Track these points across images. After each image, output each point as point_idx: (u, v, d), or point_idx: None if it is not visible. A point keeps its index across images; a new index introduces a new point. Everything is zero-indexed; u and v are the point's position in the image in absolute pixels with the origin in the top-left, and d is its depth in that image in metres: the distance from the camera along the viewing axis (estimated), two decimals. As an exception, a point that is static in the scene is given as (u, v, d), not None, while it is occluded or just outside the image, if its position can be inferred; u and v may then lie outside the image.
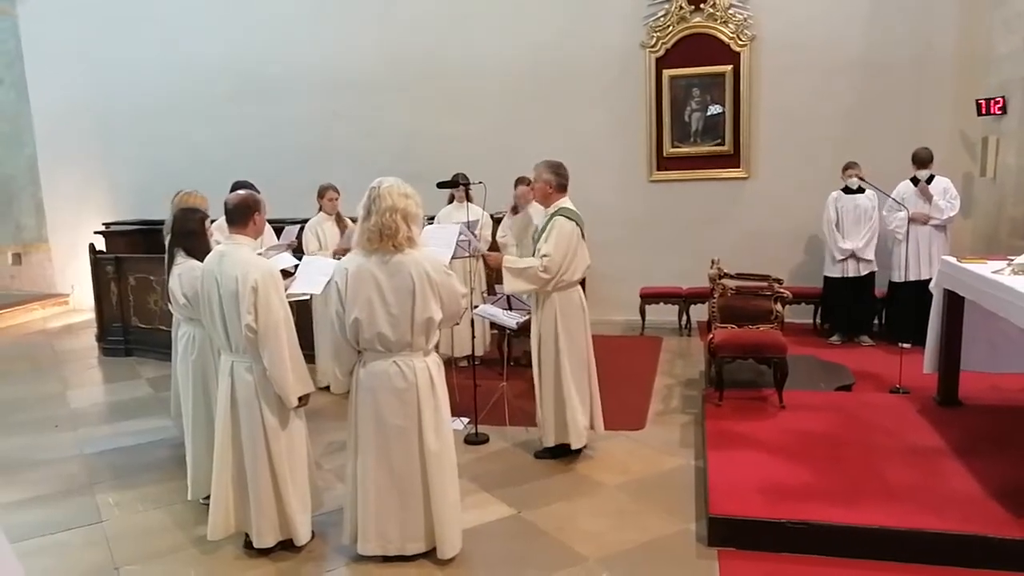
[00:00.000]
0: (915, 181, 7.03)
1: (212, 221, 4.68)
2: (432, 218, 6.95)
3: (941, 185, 7.00)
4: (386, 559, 3.68)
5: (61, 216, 11.18)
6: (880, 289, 7.40)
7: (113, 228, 9.11)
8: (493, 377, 6.20)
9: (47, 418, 6.25)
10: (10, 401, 6.81)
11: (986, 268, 4.70)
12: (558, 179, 4.73)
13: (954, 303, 5.14)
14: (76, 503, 4.61)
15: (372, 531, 3.62)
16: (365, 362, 3.60)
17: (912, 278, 6.93)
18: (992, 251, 6.52)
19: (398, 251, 3.46)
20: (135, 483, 4.86)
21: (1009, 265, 4.58)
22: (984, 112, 7.17)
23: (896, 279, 7.12)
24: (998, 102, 7.00)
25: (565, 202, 4.76)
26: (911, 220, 6.84)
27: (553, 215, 4.71)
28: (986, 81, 7.33)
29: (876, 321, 7.55)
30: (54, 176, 11.18)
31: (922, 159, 7.02)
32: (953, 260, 5.19)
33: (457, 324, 3.70)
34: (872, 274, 7.26)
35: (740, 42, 8.11)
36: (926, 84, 7.78)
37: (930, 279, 6.72)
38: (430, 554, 3.69)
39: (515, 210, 6.67)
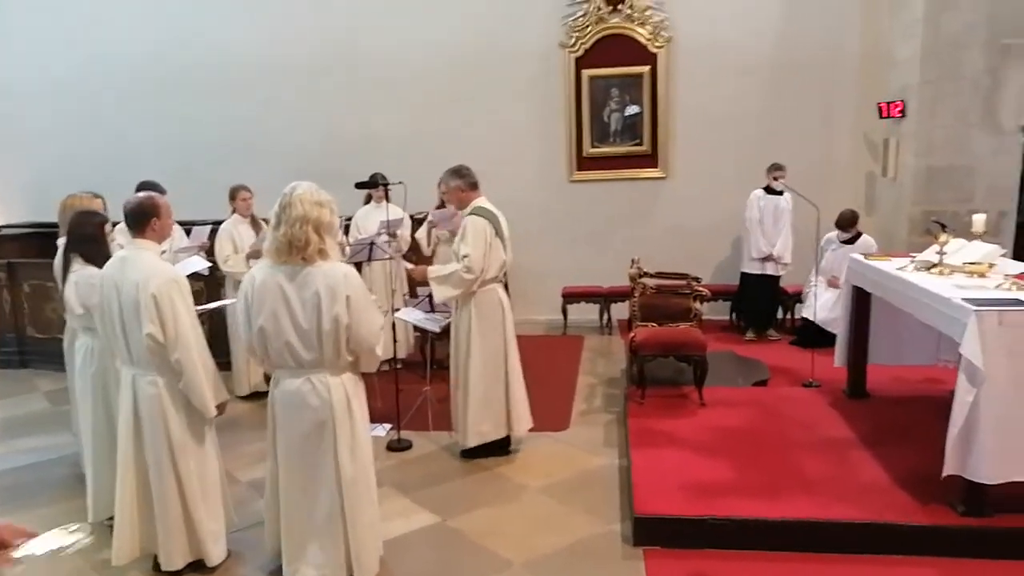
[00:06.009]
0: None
1: (114, 224, 4.42)
2: (349, 219, 6.77)
3: (864, 243, 6.96)
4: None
5: (-53, 218, 10.39)
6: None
7: (5, 231, 8.54)
8: (416, 381, 6.09)
9: (-68, 437, 5.79)
10: None
11: (891, 265, 4.90)
12: (465, 180, 4.77)
13: (862, 299, 5.34)
14: (-35, 529, 4.27)
15: (291, 554, 3.42)
16: (278, 381, 3.40)
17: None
18: (894, 247, 6.82)
19: (308, 264, 3.22)
20: (32, 504, 4.55)
21: (912, 262, 4.78)
22: (885, 115, 7.48)
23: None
24: (898, 105, 7.31)
25: (480, 201, 4.79)
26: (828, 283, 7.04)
27: (466, 216, 4.73)
28: (887, 84, 7.65)
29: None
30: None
31: (847, 222, 7.04)
32: (861, 258, 5.39)
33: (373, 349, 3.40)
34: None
35: (657, 43, 8.22)
36: (834, 86, 8.07)
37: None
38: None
39: (441, 206, 6.57)
